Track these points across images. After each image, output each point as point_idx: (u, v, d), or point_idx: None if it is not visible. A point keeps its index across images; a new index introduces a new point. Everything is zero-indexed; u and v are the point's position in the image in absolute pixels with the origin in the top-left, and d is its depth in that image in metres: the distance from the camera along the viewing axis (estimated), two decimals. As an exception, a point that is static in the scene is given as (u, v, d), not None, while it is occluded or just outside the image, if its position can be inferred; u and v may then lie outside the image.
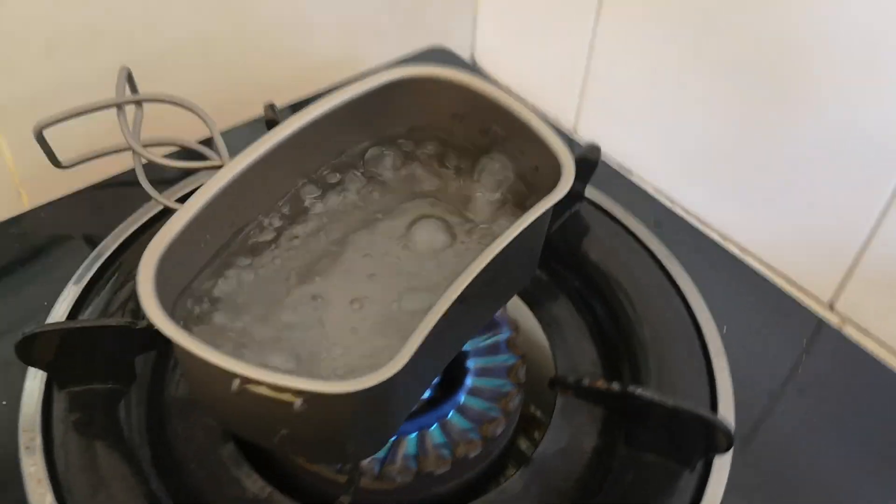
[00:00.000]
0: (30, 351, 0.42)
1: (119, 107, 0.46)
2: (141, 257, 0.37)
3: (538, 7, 0.76)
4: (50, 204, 0.56)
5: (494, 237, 0.40)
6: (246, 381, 0.35)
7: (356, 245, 0.45)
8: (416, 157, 0.49)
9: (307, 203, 0.46)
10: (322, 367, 0.40)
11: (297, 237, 0.45)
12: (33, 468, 0.42)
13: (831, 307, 0.63)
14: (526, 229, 0.40)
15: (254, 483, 0.43)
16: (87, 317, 0.48)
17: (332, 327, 0.41)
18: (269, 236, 0.44)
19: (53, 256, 0.54)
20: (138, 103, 0.48)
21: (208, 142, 0.49)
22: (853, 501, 0.45)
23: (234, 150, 0.43)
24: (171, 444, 0.45)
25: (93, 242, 0.52)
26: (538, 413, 0.50)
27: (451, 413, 0.47)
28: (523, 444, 0.49)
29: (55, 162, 0.48)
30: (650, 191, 0.68)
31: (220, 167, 0.42)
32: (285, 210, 0.45)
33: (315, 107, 0.44)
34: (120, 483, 0.42)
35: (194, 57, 0.63)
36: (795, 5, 0.55)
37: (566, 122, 0.77)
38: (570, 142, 0.66)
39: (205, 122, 0.46)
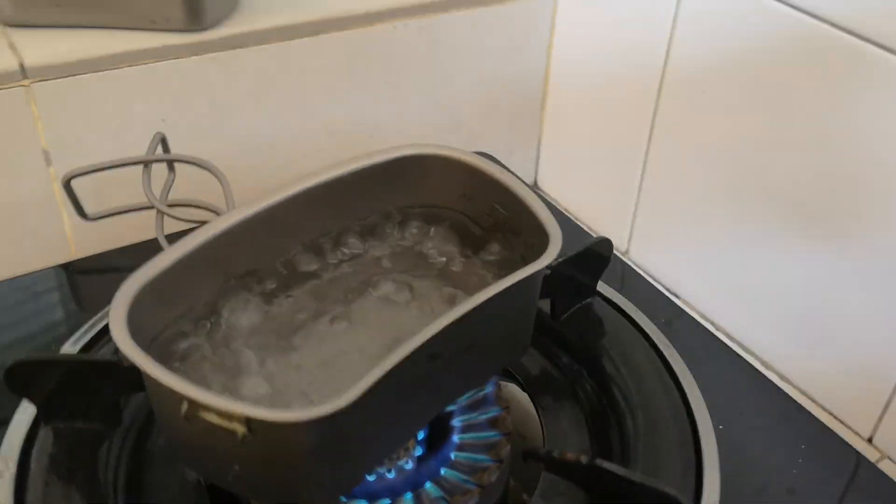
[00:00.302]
0: (16, 380, 0.44)
1: (145, 165, 0.49)
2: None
3: (596, 137, 0.80)
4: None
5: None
6: (193, 404, 0.35)
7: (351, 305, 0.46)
8: (424, 233, 0.50)
9: (303, 266, 0.47)
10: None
11: (290, 296, 0.46)
12: (1, 498, 0.43)
13: (870, 441, 0.60)
14: (504, 294, 0.40)
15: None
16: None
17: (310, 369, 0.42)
18: (266, 287, 0.45)
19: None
20: (170, 166, 0.52)
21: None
22: None
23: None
24: (145, 494, 0.45)
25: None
26: (521, 495, 0.48)
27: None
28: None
29: (81, 213, 0.51)
30: (696, 316, 0.68)
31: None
32: (281, 269, 0.46)
33: (323, 171, 0.46)
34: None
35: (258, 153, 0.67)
36: (845, 144, 0.56)
37: (619, 246, 0.78)
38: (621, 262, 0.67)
39: (220, 181, 0.48)
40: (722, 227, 0.68)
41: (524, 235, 0.46)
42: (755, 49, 0.61)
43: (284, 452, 0.37)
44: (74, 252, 0.66)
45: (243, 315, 0.43)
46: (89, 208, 0.54)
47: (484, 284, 0.47)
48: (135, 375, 0.43)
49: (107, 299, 0.37)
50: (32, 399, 0.45)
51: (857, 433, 0.62)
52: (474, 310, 0.39)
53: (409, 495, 0.45)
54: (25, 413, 0.46)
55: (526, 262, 0.46)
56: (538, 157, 0.87)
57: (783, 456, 0.48)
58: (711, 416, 0.49)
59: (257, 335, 0.43)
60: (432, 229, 0.50)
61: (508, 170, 0.48)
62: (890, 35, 0.52)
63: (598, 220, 0.82)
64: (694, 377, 0.51)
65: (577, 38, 0.78)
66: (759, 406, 0.51)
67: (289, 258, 0.46)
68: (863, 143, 0.55)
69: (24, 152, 0.61)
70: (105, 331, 0.51)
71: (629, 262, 0.75)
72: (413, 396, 0.41)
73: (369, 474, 0.45)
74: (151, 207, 0.50)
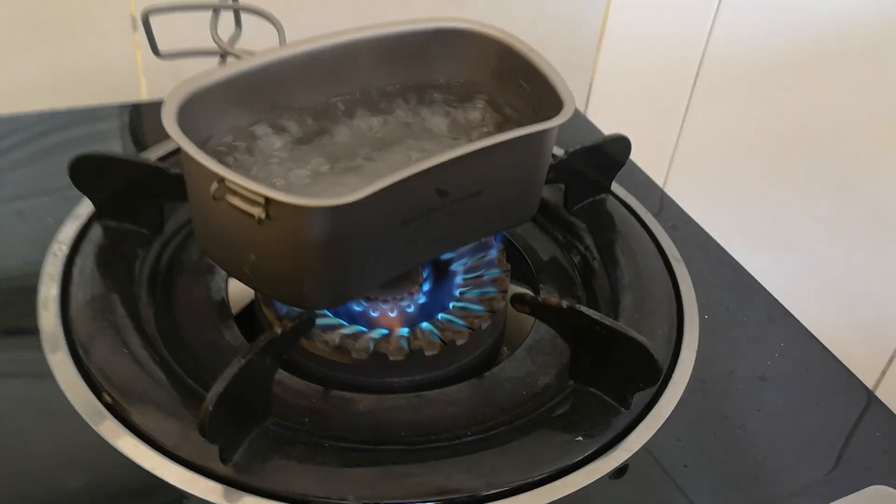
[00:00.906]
0: (79, 175, 0.49)
1: (214, 10, 0.55)
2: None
3: (644, 85, 0.83)
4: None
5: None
6: (221, 184, 0.40)
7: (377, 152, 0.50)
8: (454, 105, 0.54)
9: (341, 109, 0.52)
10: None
11: (324, 135, 0.51)
12: (52, 270, 0.48)
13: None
14: (513, 144, 0.44)
15: (231, 334, 0.48)
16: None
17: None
18: (304, 122, 0.50)
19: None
20: (237, 20, 0.57)
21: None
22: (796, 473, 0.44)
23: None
24: (172, 295, 0.51)
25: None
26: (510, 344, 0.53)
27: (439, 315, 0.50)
28: (485, 363, 0.51)
29: (155, 50, 0.56)
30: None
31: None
32: (317, 112, 0.51)
33: (364, 29, 0.51)
34: (115, 298, 0.48)
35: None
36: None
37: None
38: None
39: (276, 28, 0.54)
40: (750, 180, 0.71)
41: (545, 108, 0.49)
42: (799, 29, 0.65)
43: (296, 243, 0.41)
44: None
45: (278, 139, 0.48)
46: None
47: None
48: (179, 183, 0.49)
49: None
50: (91, 195, 0.51)
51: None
52: (482, 150, 0.43)
53: (405, 330, 0.49)
54: (84, 209, 0.52)
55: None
56: (589, 93, 0.90)
57: (760, 349, 0.51)
58: (700, 308, 0.52)
59: (289, 157, 0.48)
60: (464, 102, 0.54)
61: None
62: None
63: (639, 162, 0.85)
64: (690, 274, 0.54)
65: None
66: (748, 306, 0.53)
67: (329, 103, 0.51)
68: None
69: (115, 11, 0.68)
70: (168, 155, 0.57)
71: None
72: (418, 226, 0.45)
73: (366, 306, 0.50)
74: (217, 53, 0.56)
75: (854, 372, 0.56)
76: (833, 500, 0.42)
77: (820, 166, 0.64)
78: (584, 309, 0.44)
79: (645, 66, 0.83)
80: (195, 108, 0.45)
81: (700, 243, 0.58)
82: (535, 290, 0.55)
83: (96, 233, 0.51)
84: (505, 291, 0.51)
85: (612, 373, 0.44)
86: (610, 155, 0.57)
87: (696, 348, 0.49)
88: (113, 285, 0.49)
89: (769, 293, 0.54)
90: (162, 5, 0.54)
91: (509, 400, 0.46)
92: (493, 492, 0.40)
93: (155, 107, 0.68)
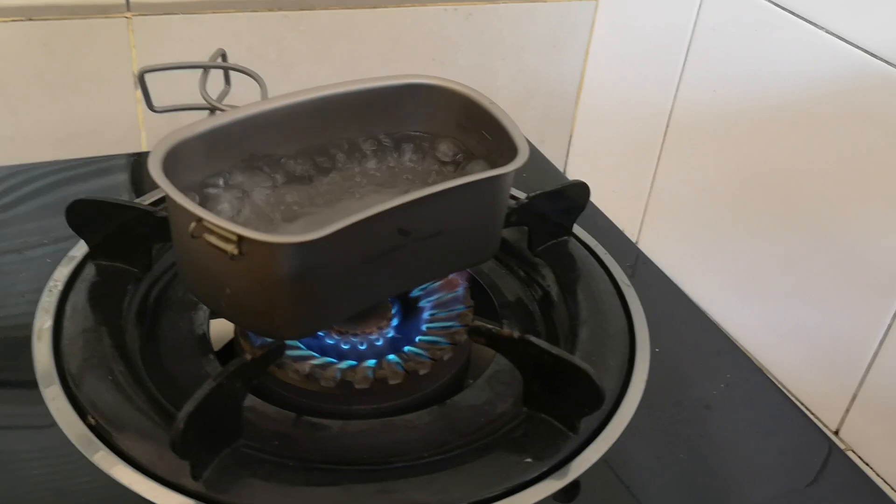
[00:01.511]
0: (74, 216, 0.54)
1: (204, 69, 0.59)
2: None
3: (619, 137, 0.88)
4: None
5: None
6: (199, 223, 0.44)
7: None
8: (419, 155, 0.59)
9: (317, 158, 0.56)
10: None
11: (294, 182, 0.55)
12: (47, 305, 0.53)
13: (836, 434, 0.65)
14: (470, 188, 0.48)
15: (210, 365, 0.52)
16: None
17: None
18: (275, 170, 0.54)
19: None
20: (226, 78, 0.62)
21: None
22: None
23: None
24: (157, 330, 0.55)
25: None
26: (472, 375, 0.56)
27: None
28: (447, 392, 0.54)
29: (150, 105, 0.61)
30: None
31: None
32: (293, 160, 0.55)
33: (339, 85, 0.55)
34: (103, 331, 0.52)
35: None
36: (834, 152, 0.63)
37: (631, 235, 0.86)
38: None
39: (259, 85, 0.58)
40: (719, 227, 0.75)
41: (504, 157, 0.53)
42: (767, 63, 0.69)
43: (267, 277, 0.45)
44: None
45: (255, 183, 0.52)
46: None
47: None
48: (166, 225, 0.53)
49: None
50: (85, 237, 0.56)
51: (825, 425, 0.67)
52: (439, 193, 0.47)
53: (372, 361, 0.53)
54: (80, 250, 0.57)
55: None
56: (568, 149, 0.95)
57: (708, 380, 0.54)
58: (652, 341, 0.56)
59: (263, 199, 0.52)
60: (427, 153, 0.58)
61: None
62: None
63: (616, 213, 0.89)
64: (645, 311, 0.58)
65: (613, 43, 0.87)
66: (698, 341, 0.57)
67: (305, 151, 0.55)
68: (853, 148, 0.62)
69: (118, 72, 0.73)
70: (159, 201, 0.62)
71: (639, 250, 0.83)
72: (382, 263, 0.49)
73: (335, 339, 0.53)
74: (207, 108, 0.60)
75: (818, 413, 0.59)
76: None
77: (785, 210, 0.68)
78: (533, 339, 0.47)
79: (620, 118, 0.87)
80: (179, 157, 0.49)
81: (656, 283, 0.62)
82: (500, 326, 0.59)
83: (90, 271, 0.55)
84: (467, 326, 0.55)
85: (561, 399, 0.48)
86: (570, 199, 0.61)
87: (645, 378, 0.53)
88: (102, 319, 0.53)
89: (719, 328, 0.58)
90: (157, 65, 0.59)
91: (467, 425, 0.49)
92: (444, 508, 0.44)
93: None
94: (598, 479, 0.47)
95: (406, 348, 0.54)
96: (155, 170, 0.46)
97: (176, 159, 0.48)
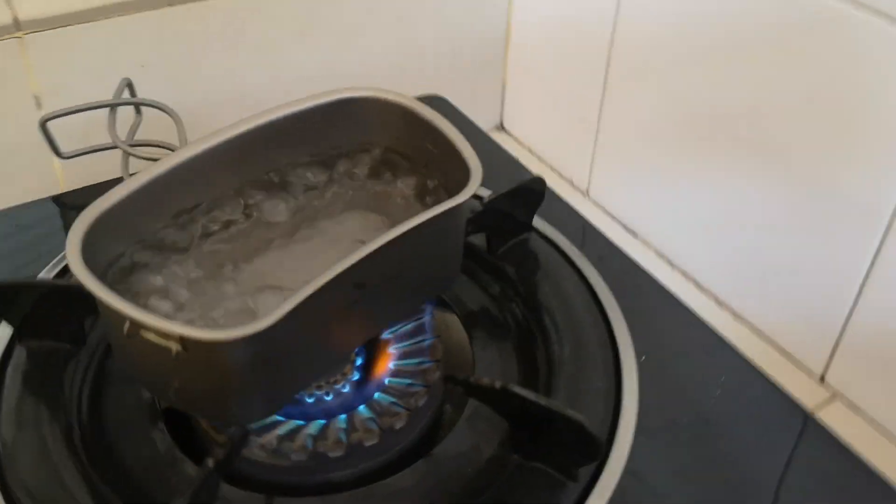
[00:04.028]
0: (-7, 301, 0.49)
1: (111, 108, 0.53)
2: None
3: (557, 82, 0.82)
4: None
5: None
6: (133, 323, 0.40)
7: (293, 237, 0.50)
8: (362, 172, 0.54)
9: (247, 202, 0.51)
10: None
11: (229, 231, 0.50)
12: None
13: (822, 380, 0.63)
14: (425, 227, 0.44)
15: (162, 439, 0.47)
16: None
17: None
18: (209, 221, 0.49)
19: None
20: (137, 109, 0.56)
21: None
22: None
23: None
24: (105, 408, 0.50)
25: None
26: (450, 418, 0.52)
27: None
28: (427, 444, 0.50)
29: (56, 152, 0.55)
30: (652, 255, 0.72)
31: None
32: (224, 206, 0.50)
33: (264, 114, 0.50)
34: (47, 427, 0.47)
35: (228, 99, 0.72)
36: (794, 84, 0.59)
37: (580, 185, 0.81)
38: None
39: (175, 121, 0.52)
40: (674, 167, 0.71)
41: (452, 173, 0.49)
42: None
43: (216, 369, 0.41)
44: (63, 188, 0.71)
45: (189, 244, 0.47)
46: (70, 147, 0.58)
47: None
48: (94, 299, 0.48)
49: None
50: (9, 320, 0.50)
51: (810, 370, 0.65)
52: (395, 241, 0.43)
53: (343, 417, 0.49)
54: (3, 333, 0.51)
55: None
56: (503, 101, 0.90)
57: (701, 388, 0.51)
58: (636, 346, 0.53)
59: (200, 265, 0.47)
60: (368, 169, 0.53)
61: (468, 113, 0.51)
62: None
63: (561, 161, 0.85)
64: (622, 310, 0.55)
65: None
66: (683, 339, 0.54)
67: (234, 195, 0.50)
68: (814, 81, 0.58)
69: (17, 97, 0.66)
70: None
71: (590, 201, 0.79)
72: (342, 322, 0.45)
73: (299, 395, 0.49)
74: (115, 147, 0.54)
75: (802, 359, 0.56)
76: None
77: (748, 145, 0.64)
78: (516, 389, 0.44)
79: (554, 59, 0.82)
80: (100, 232, 0.43)
81: (628, 273, 0.58)
82: (471, 344, 0.55)
83: (19, 356, 0.50)
84: (438, 360, 0.51)
85: (554, 448, 0.45)
86: (527, 192, 0.57)
87: (637, 396, 0.49)
88: (41, 403, 0.48)
89: (705, 323, 0.55)
90: (58, 111, 0.53)
91: (456, 480, 0.46)
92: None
93: (73, 195, 0.68)
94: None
95: (376, 395, 0.51)
96: (75, 263, 0.41)
97: (97, 235, 0.43)
